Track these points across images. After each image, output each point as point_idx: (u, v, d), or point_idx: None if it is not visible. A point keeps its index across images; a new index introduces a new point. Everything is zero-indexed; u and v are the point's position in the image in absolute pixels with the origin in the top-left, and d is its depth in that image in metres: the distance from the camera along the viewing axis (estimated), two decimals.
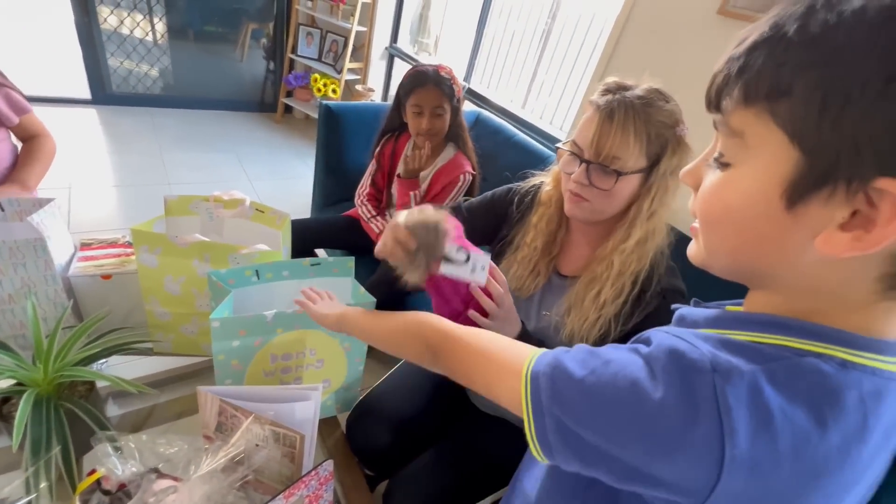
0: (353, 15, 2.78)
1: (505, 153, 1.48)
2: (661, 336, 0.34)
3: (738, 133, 0.30)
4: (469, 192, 1.30)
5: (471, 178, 1.28)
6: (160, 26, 2.94)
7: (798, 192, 0.28)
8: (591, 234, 0.77)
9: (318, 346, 0.76)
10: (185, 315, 0.85)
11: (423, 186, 1.31)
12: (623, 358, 0.33)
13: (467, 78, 2.57)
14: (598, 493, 0.40)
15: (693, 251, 0.38)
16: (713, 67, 0.33)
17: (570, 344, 0.41)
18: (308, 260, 0.79)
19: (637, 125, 0.64)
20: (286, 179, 2.66)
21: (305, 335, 0.73)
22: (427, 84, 1.18)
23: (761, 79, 0.28)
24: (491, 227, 0.89)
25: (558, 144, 0.75)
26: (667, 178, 0.67)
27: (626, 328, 0.70)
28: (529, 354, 0.39)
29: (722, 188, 0.32)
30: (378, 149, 1.36)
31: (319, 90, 3.01)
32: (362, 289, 0.79)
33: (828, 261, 0.28)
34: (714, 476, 0.27)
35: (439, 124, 1.21)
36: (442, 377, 0.97)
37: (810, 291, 0.31)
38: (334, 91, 3.00)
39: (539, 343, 0.50)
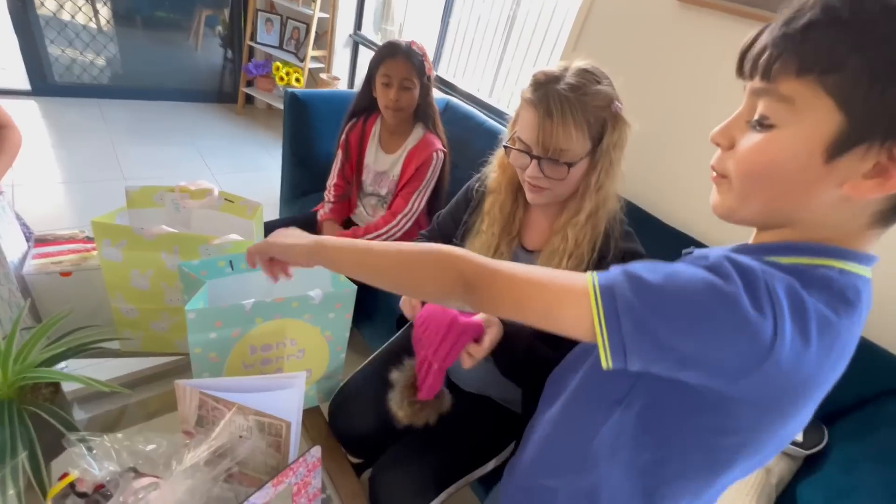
0: (314, 1, 2.70)
1: (476, 139, 1.48)
2: (712, 252, 0.40)
3: (789, 99, 0.35)
4: (441, 174, 1.29)
5: (443, 155, 1.27)
6: (105, 11, 2.76)
7: (838, 149, 0.34)
8: (548, 210, 0.80)
9: (299, 336, 0.75)
10: (154, 311, 0.82)
11: (396, 172, 1.30)
12: (687, 269, 0.37)
13: (435, 65, 2.55)
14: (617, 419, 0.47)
15: (718, 201, 0.43)
16: (747, 39, 0.39)
17: None
18: None
19: (576, 117, 0.67)
20: (251, 172, 2.57)
21: (286, 325, 0.72)
22: (398, 55, 1.16)
23: (818, 56, 0.33)
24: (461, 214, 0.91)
25: (505, 143, 0.76)
26: (610, 153, 0.71)
27: None
28: (585, 275, 0.41)
29: (767, 146, 0.37)
30: (344, 136, 1.33)
31: (282, 79, 2.91)
32: (342, 276, 0.78)
33: (842, 201, 0.36)
34: (764, 355, 0.33)
35: (407, 98, 1.19)
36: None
37: (820, 225, 0.39)
38: (297, 80, 2.91)
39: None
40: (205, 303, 0.67)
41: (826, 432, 0.90)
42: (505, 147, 0.75)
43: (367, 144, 1.34)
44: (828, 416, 0.98)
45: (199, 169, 2.47)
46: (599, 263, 0.75)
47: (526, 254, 0.83)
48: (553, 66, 0.72)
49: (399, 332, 1.08)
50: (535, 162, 0.70)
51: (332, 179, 1.38)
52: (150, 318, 0.83)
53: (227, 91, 3.34)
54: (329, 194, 1.38)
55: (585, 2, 1.52)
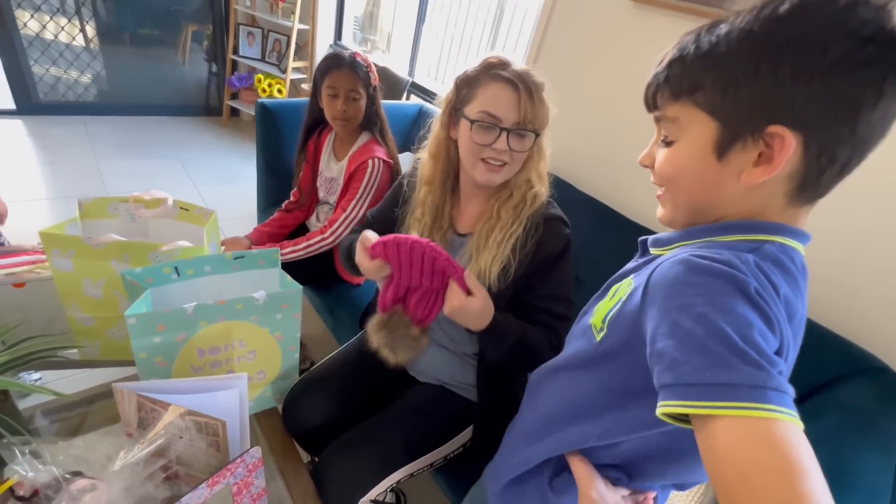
0: (293, 13, 2.74)
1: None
2: (677, 254, 0.42)
3: (675, 120, 0.45)
4: (381, 184, 1.28)
5: (381, 164, 1.24)
6: (89, 30, 2.80)
7: (722, 147, 0.42)
8: (481, 194, 0.85)
9: (247, 338, 0.77)
10: (109, 319, 0.83)
11: (341, 179, 1.30)
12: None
13: (411, 72, 2.58)
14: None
15: (661, 213, 0.51)
16: (646, 76, 0.48)
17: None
18: (230, 253, 0.79)
19: (538, 93, 0.75)
20: (234, 183, 2.60)
21: (231, 327, 0.74)
22: (342, 66, 1.18)
23: (682, 81, 0.43)
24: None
25: (472, 118, 0.77)
26: (543, 141, 0.80)
27: (524, 256, 0.80)
28: None
29: (673, 157, 0.46)
30: (302, 146, 1.35)
31: (264, 90, 2.95)
32: (289, 277, 0.80)
33: (749, 188, 0.42)
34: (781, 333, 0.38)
35: (353, 109, 1.21)
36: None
37: (742, 210, 0.45)
38: (280, 91, 2.95)
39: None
40: (148, 307, 0.69)
41: None
42: (472, 121, 0.76)
43: (321, 152, 1.36)
44: None
45: (181, 181, 2.49)
46: (527, 230, 0.80)
47: (460, 238, 0.87)
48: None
49: (360, 333, 1.09)
50: (504, 135, 0.75)
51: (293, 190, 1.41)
52: (105, 327, 0.84)
53: (213, 104, 3.38)
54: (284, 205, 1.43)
55: (547, 4, 1.55)
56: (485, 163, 0.77)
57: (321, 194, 1.39)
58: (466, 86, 0.78)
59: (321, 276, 1.36)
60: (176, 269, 0.74)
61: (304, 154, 1.36)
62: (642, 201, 1.39)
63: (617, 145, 1.43)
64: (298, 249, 1.24)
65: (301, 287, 0.77)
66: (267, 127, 1.54)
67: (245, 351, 0.78)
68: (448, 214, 0.87)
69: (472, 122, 0.76)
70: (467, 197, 0.87)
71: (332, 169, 1.34)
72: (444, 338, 0.92)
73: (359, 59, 1.20)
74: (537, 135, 0.77)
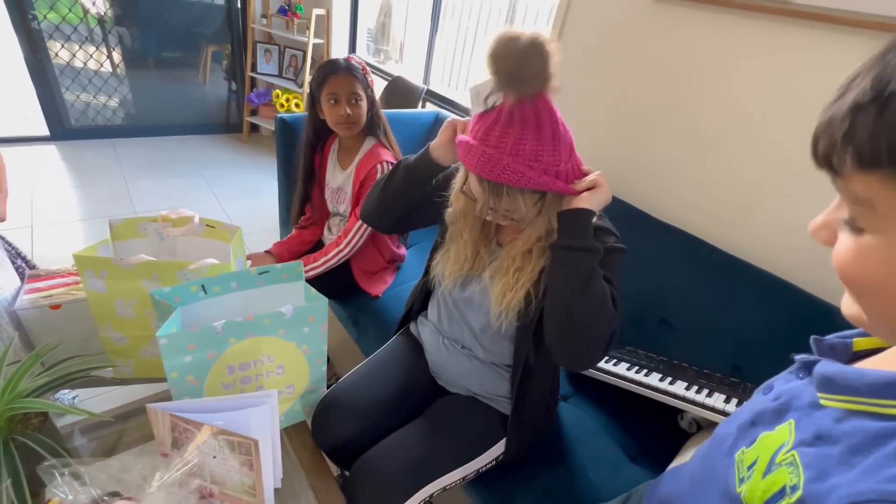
0: (308, 28, 2.79)
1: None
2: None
3: (867, 201, 0.27)
4: None
5: (391, 168, 1.25)
6: (115, 56, 2.92)
7: None
8: (513, 226, 0.82)
9: (276, 352, 0.77)
10: (142, 338, 0.85)
11: (349, 188, 1.30)
12: None
13: (426, 79, 2.59)
14: None
15: (848, 308, 0.34)
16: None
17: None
18: (255, 268, 0.79)
19: (508, 191, 0.69)
20: (255, 197, 2.65)
21: (260, 342, 0.74)
22: (339, 71, 1.16)
23: (876, 143, 0.25)
24: (445, 204, 0.91)
25: (460, 188, 0.80)
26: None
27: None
28: None
29: (862, 256, 0.29)
30: (305, 163, 1.34)
31: (282, 105, 3.00)
32: (313, 290, 0.80)
33: None
34: None
35: (357, 111, 1.19)
36: (413, 362, 0.97)
37: None
38: (297, 105, 3.00)
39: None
40: (178, 327, 0.69)
41: None
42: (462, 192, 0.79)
43: (326, 164, 1.36)
44: None
45: (205, 197, 2.56)
46: None
47: (500, 248, 0.86)
48: None
49: (393, 338, 1.08)
50: (486, 207, 0.72)
51: (295, 210, 1.41)
52: (138, 345, 0.86)
53: (233, 121, 3.47)
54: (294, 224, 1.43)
55: (561, 6, 1.53)
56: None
57: (330, 206, 1.39)
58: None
59: (343, 289, 1.36)
60: (203, 287, 0.75)
61: (311, 171, 1.35)
62: (670, 202, 1.35)
63: (641, 146, 1.39)
64: (318, 265, 1.24)
65: (326, 299, 0.76)
66: (287, 141, 1.56)
67: (274, 366, 0.78)
68: (493, 227, 0.86)
69: (461, 188, 0.79)
70: None
71: (337, 178, 1.34)
72: (477, 347, 0.91)
73: (353, 62, 1.20)
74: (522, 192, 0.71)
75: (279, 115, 1.56)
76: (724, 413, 0.92)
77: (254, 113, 3.32)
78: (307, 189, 1.39)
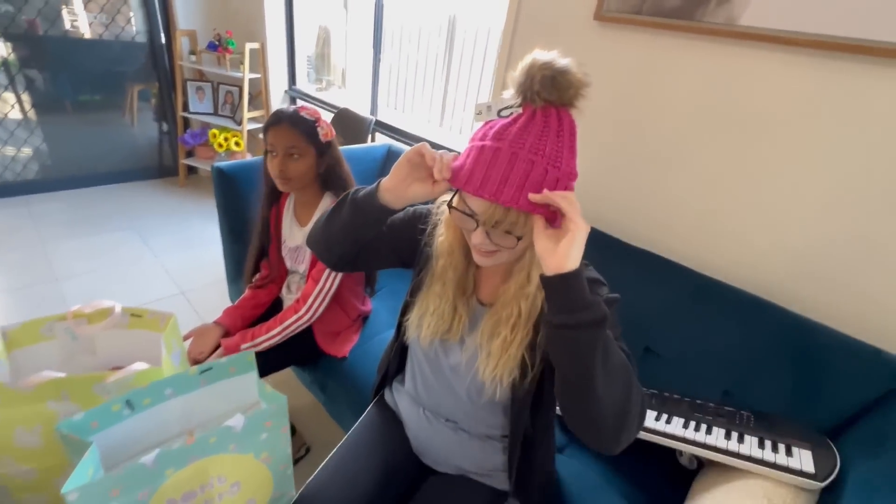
0: (242, 63, 2.64)
1: None
2: None
3: None
4: None
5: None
6: (25, 102, 2.62)
7: None
8: (500, 267, 0.74)
9: (228, 471, 0.63)
10: (55, 468, 0.68)
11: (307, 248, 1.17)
12: None
13: (373, 110, 2.50)
14: None
15: None
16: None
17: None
18: (195, 368, 0.66)
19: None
20: (199, 247, 2.43)
21: (207, 465, 0.60)
22: (280, 123, 1.05)
23: None
24: (410, 249, 0.81)
25: (447, 203, 0.68)
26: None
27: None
28: None
29: None
30: (262, 219, 1.21)
31: (221, 145, 2.81)
32: (268, 386, 0.67)
33: None
34: None
35: (294, 168, 1.06)
36: (394, 440, 0.84)
37: None
38: (237, 143, 2.82)
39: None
40: (95, 467, 0.55)
41: (837, 454, 0.82)
42: (449, 207, 0.67)
43: (282, 219, 1.23)
44: (833, 430, 0.91)
45: (139, 253, 2.31)
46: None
47: (481, 307, 0.77)
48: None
49: (368, 410, 0.96)
50: (481, 231, 0.62)
51: (249, 270, 1.27)
52: (51, 476, 0.69)
53: (168, 164, 3.22)
54: (250, 282, 1.28)
55: (508, 24, 1.51)
56: (475, 247, 0.66)
57: (288, 264, 1.26)
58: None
59: (305, 355, 1.23)
60: (128, 402, 0.61)
61: (267, 227, 1.22)
62: (641, 225, 1.33)
63: (601, 168, 1.37)
64: (274, 335, 1.10)
65: (284, 398, 0.64)
66: (227, 192, 1.42)
67: (227, 486, 0.64)
68: (473, 277, 0.77)
69: (451, 203, 0.66)
70: (487, 267, 0.76)
71: (295, 237, 1.21)
72: (464, 419, 0.81)
73: (304, 113, 1.08)
74: (520, 238, 0.62)
75: (216, 165, 1.41)
76: (728, 451, 0.87)
77: (190, 154, 3.09)
78: (263, 246, 1.25)
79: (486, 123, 0.62)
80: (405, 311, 0.85)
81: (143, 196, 2.93)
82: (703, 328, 1.09)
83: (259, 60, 2.78)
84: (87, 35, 2.70)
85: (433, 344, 0.79)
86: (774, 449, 0.85)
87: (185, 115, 2.93)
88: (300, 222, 1.20)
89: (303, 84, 2.98)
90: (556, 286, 0.54)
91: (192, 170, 3.20)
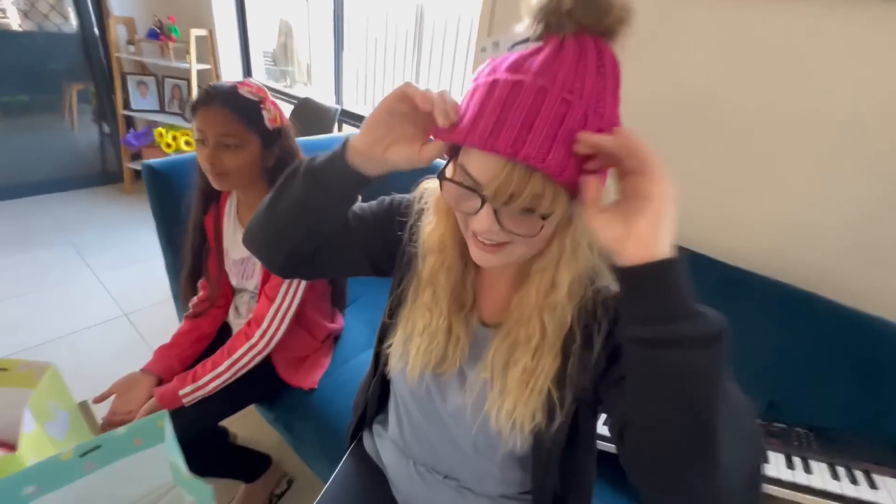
0: (188, 53, 2.36)
1: (399, 177, 1.20)
2: None
3: None
4: None
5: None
6: None
7: None
8: (508, 271, 0.55)
9: None
10: None
11: (258, 262, 0.94)
12: None
13: (338, 98, 2.28)
14: None
15: None
16: None
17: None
18: (70, 449, 0.44)
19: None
20: (145, 262, 2.14)
21: None
22: (212, 103, 0.82)
23: None
24: (386, 250, 0.62)
25: (438, 174, 0.49)
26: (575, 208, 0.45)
27: (584, 361, 0.50)
28: None
29: None
30: (195, 226, 0.97)
31: (169, 145, 2.52)
32: (185, 471, 0.46)
33: None
34: None
35: (231, 161, 0.84)
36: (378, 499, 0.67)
37: None
38: (188, 142, 2.54)
39: None
40: None
41: None
42: (440, 179, 0.47)
43: (222, 225, 0.99)
44: None
45: (75, 271, 2.02)
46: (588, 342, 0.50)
47: (484, 329, 0.58)
48: None
49: (345, 459, 0.76)
50: (487, 209, 0.43)
51: (185, 289, 1.02)
52: None
53: (112, 170, 2.90)
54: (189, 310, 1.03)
55: (486, 10, 1.35)
56: (475, 238, 0.48)
57: (234, 281, 1.02)
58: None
59: (261, 394, 1.01)
60: None
61: (202, 237, 0.98)
62: None
63: None
64: (223, 372, 0.87)
65: (210, 489, 0.43)
66: (161, 195, 1.18)
67: None
68: (471, 289, 0.58)
69: (442, 173, 0.47)
70: (491, 272, 0.58)
71: (241, 246, 0.97)
72: (469, 475, 0.62)
73: (244, 90, 0.85)
74: (545, 216, 0.42)
75: (145, 163, 1.17)
76: (794, 485, 0.71)
77: (136, 157, 2.79)
78: (198, 261, 1.01)
79: (494, 60, 0.44)
80: (383, 336, 0.66)
81: (82, 206, 2.61)
82: (738, 329, 0.92)
83: (208, 49, 2.50)
84: (15, 27, 2.37)
85: (424, 380, 0.59)
86: (852, 479, 0.69)
87: (127, 113, 2.63)
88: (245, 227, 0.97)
89: (260, 77, 2.72)
90: (646, 281, 0.36)
91: (139, 174, 2.88)
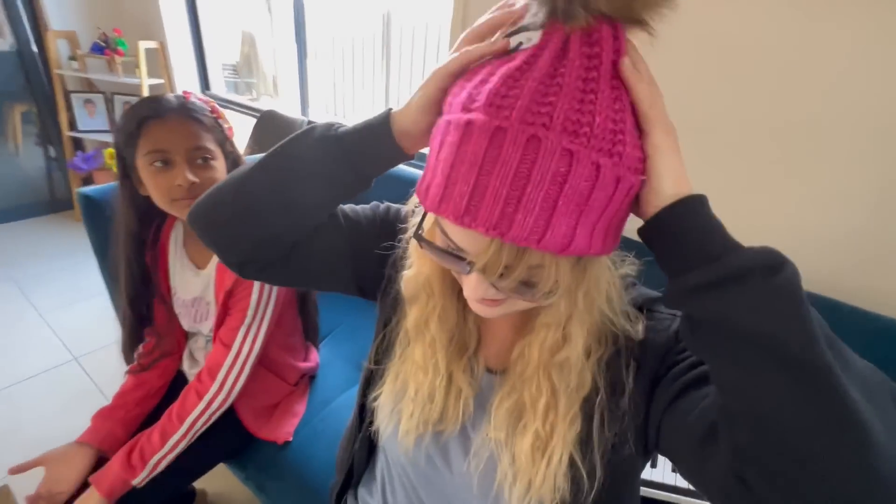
0: (137, 67, 2.19)
1: (379, 191, 1.09)
2: None
3: None
4: (283, 290, 0.84)
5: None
6: None
7: None
8: (511, 317, 0.46)
9: None
10: None
11: (212, 297, 0.81)
12: None
13: (304, 110, 2.15)
14: None
15: None
16: None
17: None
18: None
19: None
20: (96, 298, 1.93)
21: None
22: (170, 115, 0.70)
23: None
24: (376, 270, 0.52)
25: (414, 233, 0.40)
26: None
27: (632, 419, 0.41)
28: None
29: None
30: (133, 269, 0.81)
31: None
32: None
33: None
34: None
35: (209, 176, 0.72)
36: None
37: None
38: None
39: None
40: None
41: None
42: (417, 239, 0.39)
43: (167, 262, 0.85)
44: None
45: (20, 312, 1.82)
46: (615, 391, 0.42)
47: (490, 377, 0.49)
48: None
49: None
50: (476, 277, 0.35)
51: (126, 343, 0.86)
52: None
53: (61, 197, 2.67)
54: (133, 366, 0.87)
55: (457, 17, 1.28)
56: (469, 297, 0.40)
57: (186, 324, 0.88)
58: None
59: (230, 448, 0.87)
60: None
61: (142, 280, 0.82)
62: None
63: None
64: (177, 443, 0.73)
65: None
66: (99, 225, 1.03)
67: None
68: (474, 327, 0.48)
69: (418, 232, 0.40)
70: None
71: (190, 285, 0.84)
72: None
73: (193, 98, 0.74)
74: (551, 293, 0.35)
75: (80, 191, 1.03)
76: None
77: (88, 182, 2.57)
78: (140, 307, 0.85)
79: (473, 72, 0.35)
80: (369, 382, 0.55)
81: (27, 238, 2.39)
82: None
83: (160, 62, 2.33)
84: None
85: (422, 443, 0.49)
86: None
87: (74, 134, 2.43)
88: (196, 262, 0.84)
89: (220, 91, 2.56)
90: (688, 214, 0.32)
91: None
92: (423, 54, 2.44)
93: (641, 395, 0.40)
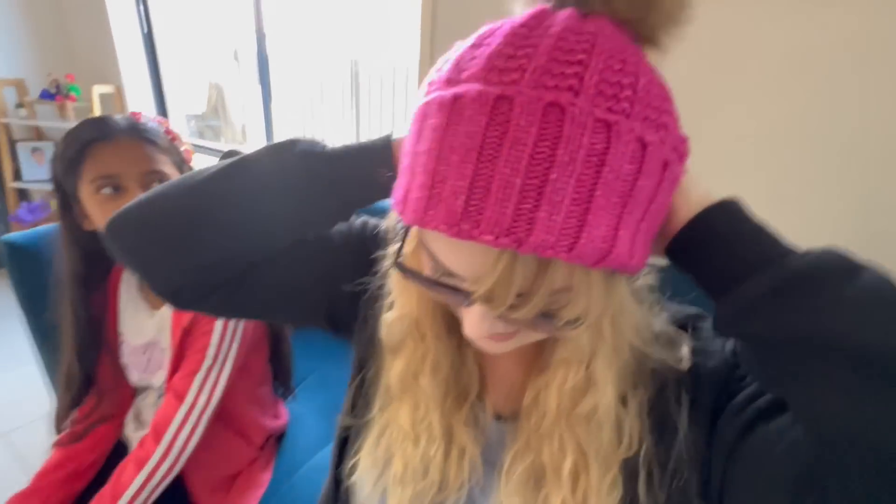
0: (91, 112, 2.09)
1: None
2: None
3: None
4: (249, 336, 0.73)
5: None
6: None
7: None
8: (521, 351, 0.37)
9: None
10: None
11: (166, 342, 0.70)
12: None
13: None
14: None
15: None
16: None
17: None
18: None
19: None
20: (26, 365, 1.69)
21: None
22: (116, 136, 0.62)
23: None
24: (350, 299, 0.43)
25: (395, 260, 0.32)
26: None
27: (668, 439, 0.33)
28: None
29: None
30: (79, 314, 0.69)
31: None
32: None
33: None
34: None
35: None
36: None
37: None
38: None
39: None
40: None
41: None
42: (398, 268, 0.31)
43: (116, 305, 0.74)
44: None
45: None
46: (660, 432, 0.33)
47: (500, 426, 0.39)
48: None
49: None
50: (478, 312, 0.28)
51: (64, 410, 0.73)
52: None
53: None
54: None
55: (424, 59, 1.28)
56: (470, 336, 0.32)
57: (134, 377, 0.75)
58: None
59: None
60: None
61: (90, 328, 0.70)
62: None
63: None
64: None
65: None
66: (26, 277, 0.90)
67: None
68: (475, 365, 0.39)
69: (398, 259, 0.32)
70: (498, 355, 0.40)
71: (143, 328, 0.72)
72: None
73: (144, 120, 0.67)
74: (571, 324, 0.28)
75: (3, 239, 0.90)
76: None
77: None
78: (89, 359, 0.72)
79: (460, 51, 0.28)
80: (345, 443, 0.45)
81: None
82: None
83: (116, 108, 2.23)
84: None
85: None
86: None
87: (19, 185, 2.27)
88: (150, 302, 0.72)
89: (183, 135, 2.47)
90: (727, 217, 0.28)
91: None
92: (391, 97, 2.46)
93: (700, 438, 0.32)
